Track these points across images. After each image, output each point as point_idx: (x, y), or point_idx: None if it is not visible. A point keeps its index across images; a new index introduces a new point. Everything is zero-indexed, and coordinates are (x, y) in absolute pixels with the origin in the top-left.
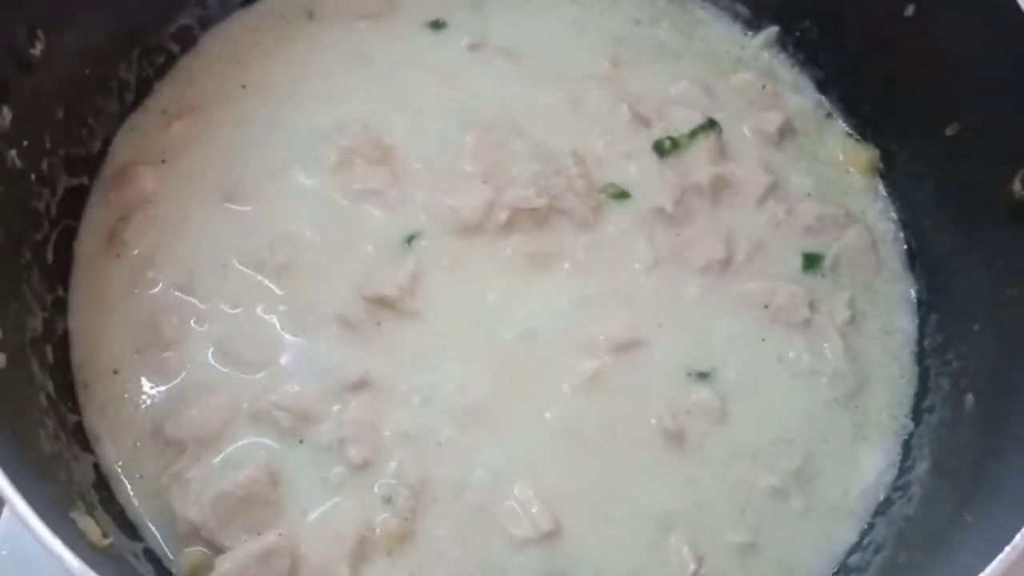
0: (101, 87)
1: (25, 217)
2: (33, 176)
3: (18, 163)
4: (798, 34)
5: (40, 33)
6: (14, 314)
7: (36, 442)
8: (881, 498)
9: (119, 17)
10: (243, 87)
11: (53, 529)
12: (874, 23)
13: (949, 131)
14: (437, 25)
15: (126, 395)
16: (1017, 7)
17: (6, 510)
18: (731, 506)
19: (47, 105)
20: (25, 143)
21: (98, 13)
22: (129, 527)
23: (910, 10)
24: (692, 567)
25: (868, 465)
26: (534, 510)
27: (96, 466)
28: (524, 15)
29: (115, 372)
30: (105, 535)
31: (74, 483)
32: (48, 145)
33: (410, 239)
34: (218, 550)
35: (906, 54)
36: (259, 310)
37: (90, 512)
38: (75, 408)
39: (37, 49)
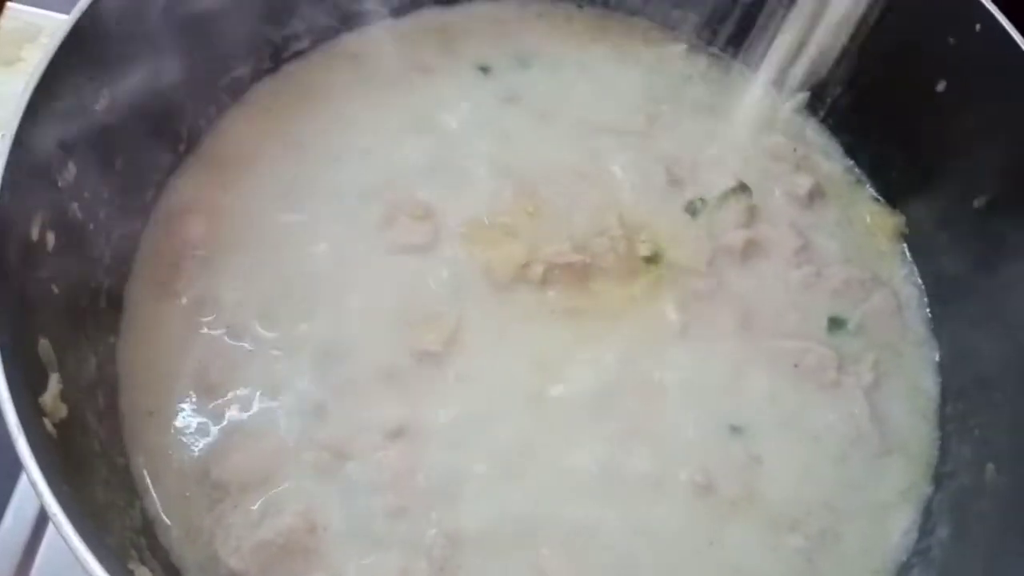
0: (157, 138)
1: (83, 266)
2: (91, 226)
3: (79, 215)
4: (829, 100)
5: (105, 91)
6: (72, 363)
7: (93, 492)
8: (903, 560)
9: (175, 72)
10: (290, 138)
11: None
12: (904, 95)
13: (976, 203)
14: (484, 69)
15: (172, 439)
16: None
17: (43, 545)
18: (758, 564)
19: (107, 157)
20: (86, 194)
21: (156, 68)
22: (173, 572)
23: (942, 85)
24: None
25: (890, 527)
26: (553, 564)
27: (142, 511)
28: (569, 72)
29: (162, 416)
30: None
31: (126, 530)
32: (105, 195)
33: (451, 293)
34: None
35: (935, 126)
36: (305, 357)
37: (142, 560)
38: (122, 452)
39: (101, 105)
